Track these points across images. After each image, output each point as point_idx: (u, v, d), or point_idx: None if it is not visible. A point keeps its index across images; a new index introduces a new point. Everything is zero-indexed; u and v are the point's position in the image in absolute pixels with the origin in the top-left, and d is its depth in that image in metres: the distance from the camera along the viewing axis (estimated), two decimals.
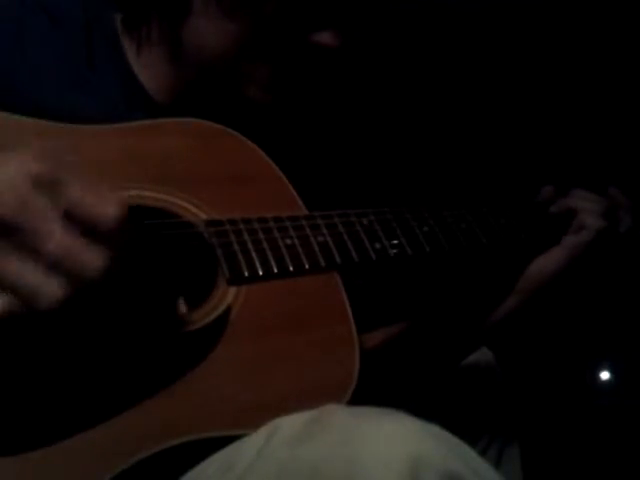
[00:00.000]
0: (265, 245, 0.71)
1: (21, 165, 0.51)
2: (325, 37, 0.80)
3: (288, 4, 0.78)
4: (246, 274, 0.69)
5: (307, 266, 0.72)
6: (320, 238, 0.74)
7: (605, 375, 1.89)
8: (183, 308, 0.71)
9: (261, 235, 0.72)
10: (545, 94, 1.72)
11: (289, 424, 0.55)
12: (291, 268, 0.71)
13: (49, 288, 0.50)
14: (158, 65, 0.84)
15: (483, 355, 1.03)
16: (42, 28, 0.82)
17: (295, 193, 0.79)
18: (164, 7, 0.81)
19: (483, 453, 0.97)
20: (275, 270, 0.70)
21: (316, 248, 0.73)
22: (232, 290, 0.68)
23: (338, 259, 0.74)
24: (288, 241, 0.72)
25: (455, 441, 0.54)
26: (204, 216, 0.71)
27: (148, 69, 0.84)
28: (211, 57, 0.81)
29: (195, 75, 0.83)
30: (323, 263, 0.73)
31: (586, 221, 0.88)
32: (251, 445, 0.56)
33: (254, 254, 0.70)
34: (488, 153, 1.71)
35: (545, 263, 0.88)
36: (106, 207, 0.52)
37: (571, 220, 0.90)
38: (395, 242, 0.78)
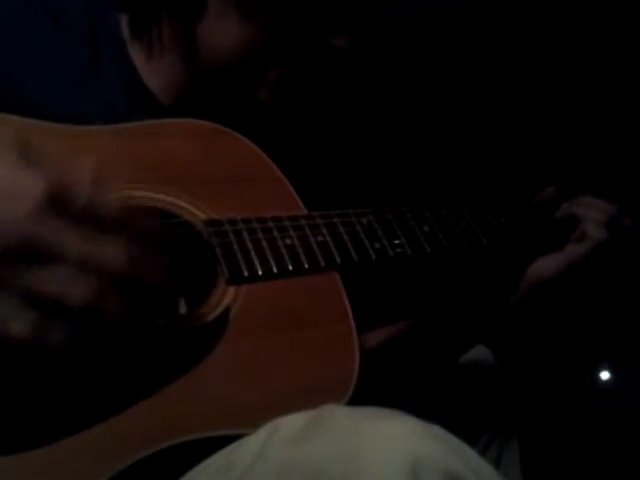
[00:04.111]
0: (264, 245, 0.71)
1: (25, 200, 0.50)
2: (337, 39, 0.81)
3: (304, 7, 0.79)
4: (245, 274, 0.69)
5: (307, 266, 0.72)
6: (320, 238, 0.74)
7: (605, 375, 1.90)
8: (182, 308, 0.71)
9: (260, 235, 0.72)
10: (546, 94, 1.72)
11: (289, 424, 0.55)
12: (291, 268, 0.71)
13: (77, 288, 0.50)
14: (168, 66, 0.84)
15: (483, 355, 1.03)
16: (45, 29, 0.82)
17: (295, 193, 0.79)
18: (179, 7, 0.81)
19: (483, 453, 0.97)
20: (275, 270, 0.70)
21: (316, 248, 0.73)
22: (231, 290, 0.68)
23: (338, 259, 0.74)
24: (288, 241, 0.72)
25: (455, 441, 0.54)
26: (203, 216, 0.71)
27: (157, 70, 0.84)
28: (225, 58, 0.81)
29: (206, 76, 0.83)
30: (323, 263, 0.73)
31: (588, 231, 0.88)
32: (251, 445, 0.56)
33: (253, 254, 0.70)
34: (488, 153, 1.71)
35: (545, 267, 0.88)
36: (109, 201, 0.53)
37: (574, 223, 0.90)
38: (395, 242, 0.78)
